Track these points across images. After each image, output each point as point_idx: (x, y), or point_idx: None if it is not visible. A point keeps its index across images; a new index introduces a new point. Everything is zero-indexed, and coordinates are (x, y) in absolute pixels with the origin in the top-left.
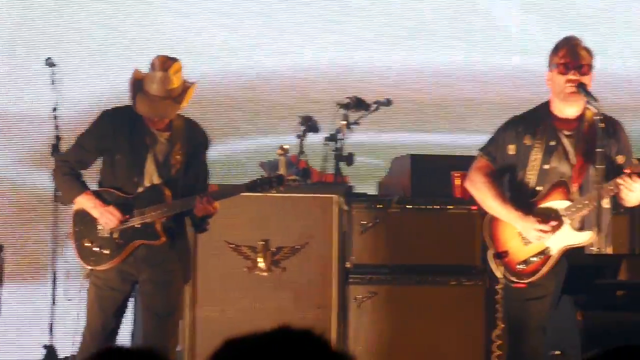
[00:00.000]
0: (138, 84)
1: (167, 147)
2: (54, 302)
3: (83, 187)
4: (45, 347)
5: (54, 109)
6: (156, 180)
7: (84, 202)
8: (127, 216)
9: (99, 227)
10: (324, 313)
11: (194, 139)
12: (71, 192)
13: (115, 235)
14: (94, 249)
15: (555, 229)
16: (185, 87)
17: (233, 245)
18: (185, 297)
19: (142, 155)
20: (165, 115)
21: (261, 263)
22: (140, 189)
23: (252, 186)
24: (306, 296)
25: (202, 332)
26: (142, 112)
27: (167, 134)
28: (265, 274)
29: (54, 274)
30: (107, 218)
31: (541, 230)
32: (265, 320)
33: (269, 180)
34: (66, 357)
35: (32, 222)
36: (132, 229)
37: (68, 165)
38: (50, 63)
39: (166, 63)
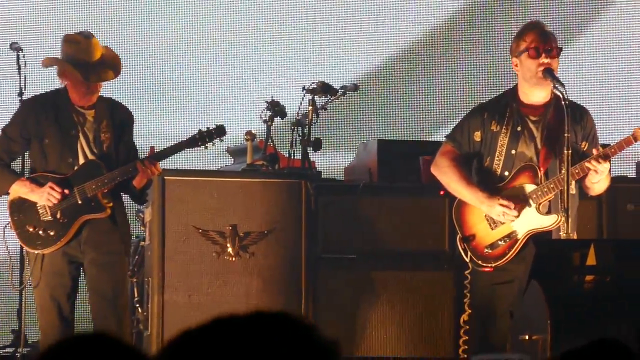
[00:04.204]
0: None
1: (94, 124)
2: (21, 287)
3: (15, 175)
4: (14, 331)
5: (20, 94)
6: (90, 157)
7: (19, 189)
8: (67, 191)
9: (40, 211)
10: (292, 298)
11: (119, 115)
12: (3, 182)
13: (59, 216)
14: (39, 232)
15: (520, 208)
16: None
17: (201, 230)
18: (154, 282)
19: (72, 136)
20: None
21: (229, 248)
22: (76, 168)
23: (193, 141)
24: (274, 281)
25: (170, 317)
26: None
27: (92, 112)
28: (233, 259)
29: (22, 258)
30: (48, 195)
31: (505, 206)
32: (234, 305)
33: (209, 132)
34: (34, 342)
35: None
36: (74, 206)
37: None
38: (16, 47)
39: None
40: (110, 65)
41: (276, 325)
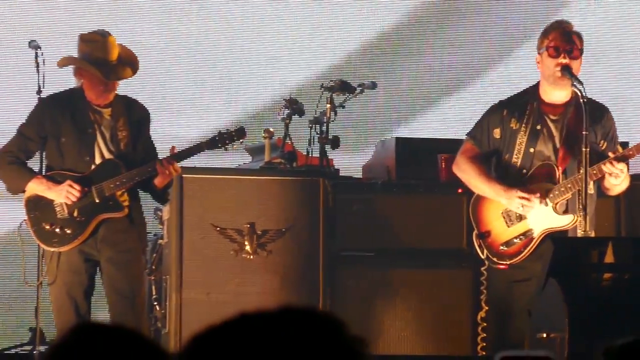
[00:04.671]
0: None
1: (111, 122)
2: (37, 283)
3: (32, 173)
4: (31, 329)
5: (39, 92)
6: (107, 155)
7: (36, 187)
8: (86, 189)
9: (57, 208)
10: (310, 296)
11: (136, 113)
12: (20, 180)
13: (76, 214)
14: (55, 230)
15: (539, 198)
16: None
17: (219, 229)
18: (172, 280)
19: (89, 134)
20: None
21: (247, 246)
22: (93, 167)
23: (213, 142)
24: (292, 279)
25: (188, 315)
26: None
27: (109, 110)
28: (251, 257)
29: (40, 256)
30: (67, 193)
31: (524, 198)
32: (252, 303)
33: (229, 133)
34: (52, 341)
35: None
36: (92, 204)
37: (12, 155)
38: (34, 45)
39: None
40: (128, 63)
41: (305, 321)
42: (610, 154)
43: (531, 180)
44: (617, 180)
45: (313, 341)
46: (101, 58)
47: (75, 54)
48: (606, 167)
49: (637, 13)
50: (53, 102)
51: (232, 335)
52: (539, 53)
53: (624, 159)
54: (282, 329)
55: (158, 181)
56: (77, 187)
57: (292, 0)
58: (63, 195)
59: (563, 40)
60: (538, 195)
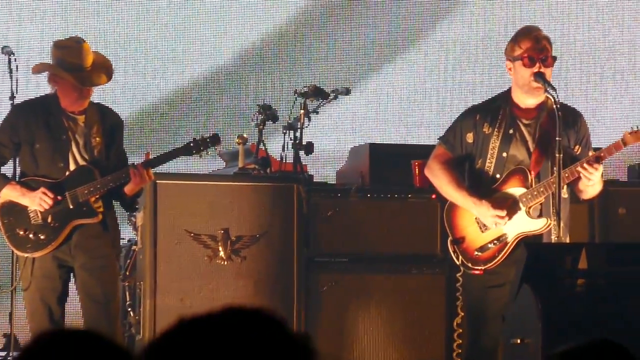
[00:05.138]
0: (63, 63)
1: (85, 129)
2: (11, 289)
3: (5, 179)
4: (5, 335)
5: (12, 97)
6: (81, 162)
7: (9, 193)
8: (59, 197)
9: (31, 214)
10: (285, 302)
11: (109, 120)
12: None
13: (49, 220)
14: (30, 236)
15: (511, 214)
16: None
17: (193, 234)
18: (146, 286)
19: (63, 140)
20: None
21: (221, 252)
22: (67, 173)
23: (187, 149)
24: (266, 285)
25: (162, 321)
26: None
27: (83, 117)
28: (225, 262)
29: (13, 261)
30: (40, 200)
31: (497, 216)
32: None
33: (204, 140)
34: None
35: None
36: (66, 210)
37: None
38: (7, 51)
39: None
40: (103, 69)
41: (249, 321)
42: (588, 156)
43: (504, 185)
44: (589, 182)
45: (259, 339)
46: (76, 64)
47: (49, 61)
48: (582, 169)
49: (609, 13)
50: (27, 108)
51: (177, 341)
52: (509, 60)
53: (597, 160)
54: (227, 329)
55: (128, 189)
56: (51, 194)
57: (265, 7)
58: (36, 202)
59: (536, 50)
60: (509, 212)
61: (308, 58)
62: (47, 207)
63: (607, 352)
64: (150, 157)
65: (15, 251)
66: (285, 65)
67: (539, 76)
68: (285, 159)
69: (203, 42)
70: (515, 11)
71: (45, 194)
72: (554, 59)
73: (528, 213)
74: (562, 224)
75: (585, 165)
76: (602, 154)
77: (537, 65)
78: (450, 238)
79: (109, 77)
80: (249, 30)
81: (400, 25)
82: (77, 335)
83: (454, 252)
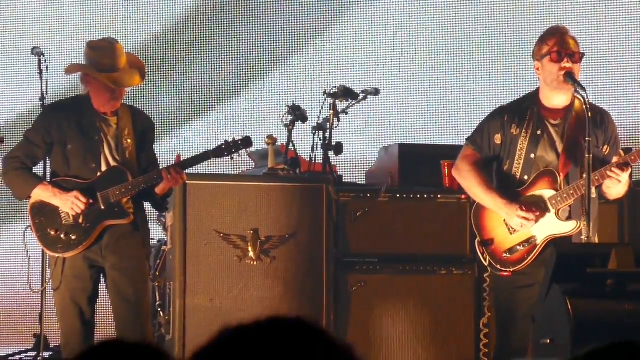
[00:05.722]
0: (97, 64)
1: (116, 131)
2: (42, 289)
3: (38, 179)
4: (36, 335)
5: (42, 99)
6: (112, 163)
7: (41, 193)
8: (92, 200)
9: (62, 214)
10: (314, 302)
11: (141, 123)
12: (26, 186)
13: (81, 220)
14: (60, 236)
15: (538, 217)
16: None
17: (222, 235)
18: (176, 286)
19: (95, 141)
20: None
21: (251, 252)
22: (99, 174)
23: (219, 151)
24: (296, 285)
25: (192, 321)
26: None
27: (115, 119)
28: (254, 263)
29: (44, 261)
30: (72, 203)
31: (524, 218)
32: (255, 309)
33: (236, 142)
34: (56, 346)
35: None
36: (97, 211)
37: (18, 160)
38: (38, 52)
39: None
40: (136, 70)
41: (292, 331)
42: (614, 159)
43: (532, 187)
44: (617, 184)
45: (303, 349)
46: (109, 65)
47: (80, 62)
48: (611, 173)
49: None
50: (60, 109)
51: (221, 353)
52: (537, 60)
53: (626, 164)
54: (270, 339)
55: (160, 189)
56: (84, 199)
57: (296, 6)
58: (69, 205)
59: (564, 45)
60: (537, 215)
61: (337, 58)
62: (79, 211)
63: (632, 353)
64: (182, 159)
65: (47, 251)
66: (315, 65)
67: (569, 76)
68: (315, 159)
69: (233, 43)
70: (542, 11)
71: (77, 198)
72: (582, 55)
73: (557, 215)
74: (591, 225)
75: (613, 169)
76: (632, 157)
77: (565, 59)
78: (478, 239)
79: (142, 78)
80: (279, 31)
81: (431, 25)
82: (129, 348)
83: (482, 253)
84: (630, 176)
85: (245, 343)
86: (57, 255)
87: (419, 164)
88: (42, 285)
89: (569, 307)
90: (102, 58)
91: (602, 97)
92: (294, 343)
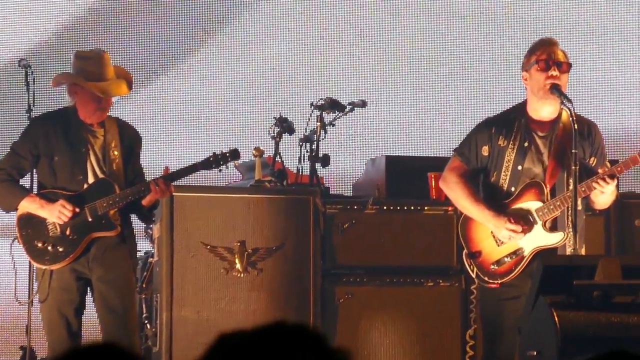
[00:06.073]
0: (84, 73)
1: (103, 142)
2: (28, 301)
3: (25, 191)
4: (22, 348)
5: (29, 110)
6: (100, 175)
7: (28, 205)
8: (78, 209)
9: (50, 226)
10: (301, 314)
11: (127, 135)
12: (13, 197)
13: (68, 232)
14: (48, 248)
15: (526, 230)
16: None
17: (209, 247)
18: (162, 298)
19: (82, 153)
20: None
21: (238, 264)
22: (85, 185)
23: (207, 163)
24: (283, 297)
25: (179, 333)
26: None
27: (101, 130)
28: (241, 275)
29: (31, 274)
30: (59, 213)
31: (512, 230)
32: (242, 321)
33: (224, 155)
34: (42, 359)
35: None
36: (84, 223)
37: (5, 172)
38: (24, 64)
39: (97, 49)
40: (124, 80)
41: (290, 336)
42: (600, 170)
43: (519, 199)
44: (603, 194)
45: (301, 355)
46: (97, 74)
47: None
48: (597, 184)
49: (623, 25)
50: (46, 121)
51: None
52: (525, 70)
53: (611, 176)
54: (268, 345)
55: (146, 200)
56: (70, 207)
57: (283, 18)
58: (55, 214)
59: (552, 55)
60: (525, 227)
61: (324, 70)
62: (65, 219)
63: None
64: (170, 171)
65: (34, 263)
66: (301, 77)
67: (555, 88)
68: (302, 171)
69: (220, 55)
70: (530, 24)
71: (64, 206)
72: (570, 65)
73: (544, 227)
74: (577, 236)
75: (599, 181)
76: (618, 169)
77: (552, 68)
78: (465, 251)
79: (130, 88)
80: (265, 43)
81: (417, 38)
82: (102, 350)
83: (470, 265)
84: (617, 187)
85: (246, 349)
86: (44, 267)
87: (406, 176)
88: (29, 297)
89: (556, 319)
90: (90, 67)
91: (588, 108)
92: (295, 349)
